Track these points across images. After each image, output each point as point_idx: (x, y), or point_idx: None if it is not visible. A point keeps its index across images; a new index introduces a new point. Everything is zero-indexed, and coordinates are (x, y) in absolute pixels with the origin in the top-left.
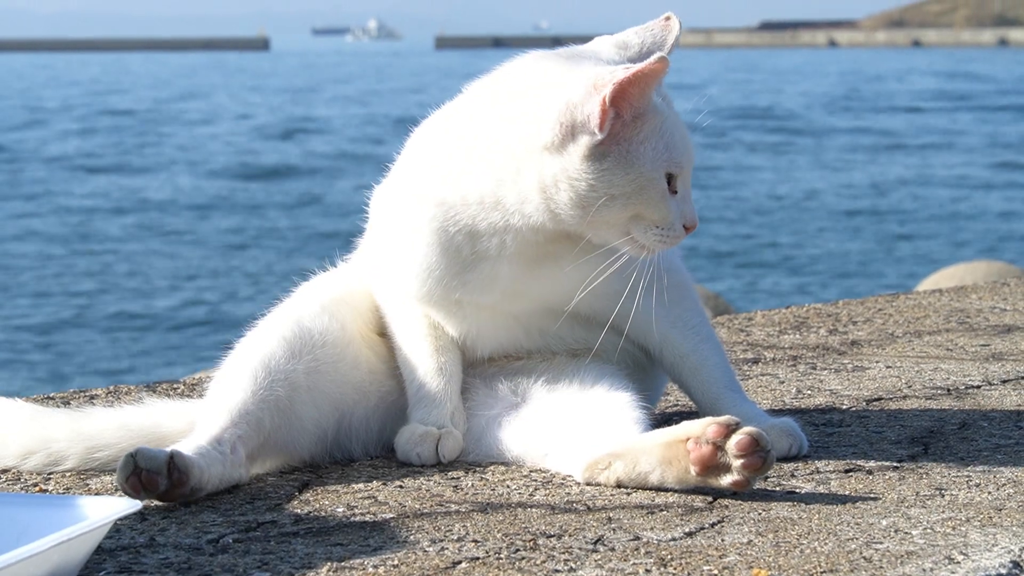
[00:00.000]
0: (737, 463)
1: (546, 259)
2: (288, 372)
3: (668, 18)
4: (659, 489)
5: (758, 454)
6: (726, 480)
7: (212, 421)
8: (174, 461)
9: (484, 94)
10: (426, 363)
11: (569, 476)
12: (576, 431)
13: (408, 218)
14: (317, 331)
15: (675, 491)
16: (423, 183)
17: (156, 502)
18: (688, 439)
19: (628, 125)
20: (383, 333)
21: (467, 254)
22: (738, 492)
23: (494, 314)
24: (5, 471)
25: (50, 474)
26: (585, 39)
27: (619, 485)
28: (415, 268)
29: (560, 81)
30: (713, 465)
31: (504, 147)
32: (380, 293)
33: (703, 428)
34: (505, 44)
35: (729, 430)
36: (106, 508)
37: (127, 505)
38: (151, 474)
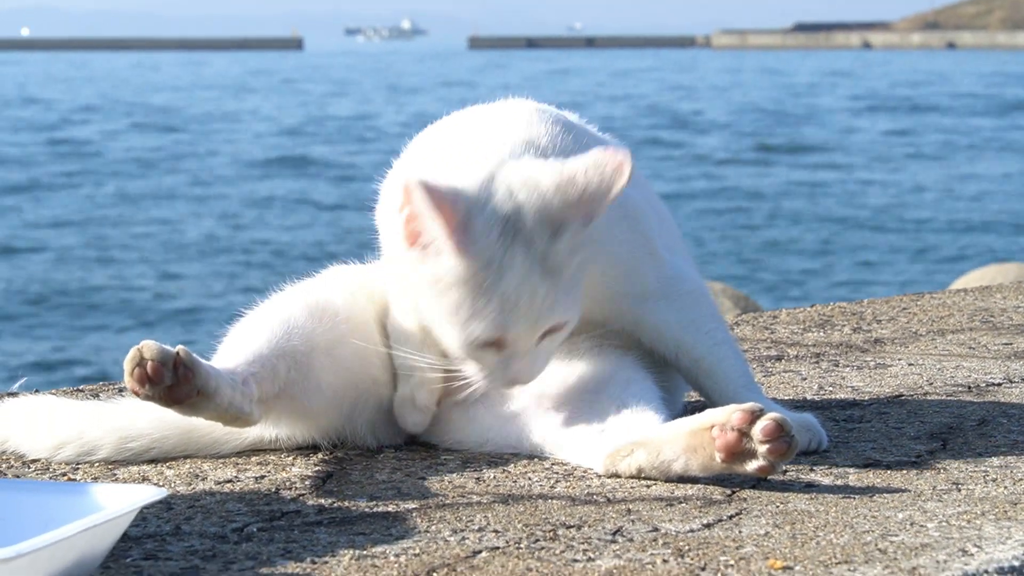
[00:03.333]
0: (763, 449)
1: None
2: (307, 330)
3: (621, 163)
4: (681, 479)
5: (783, 439)
6: (752, 466)
7: (223, 361)
8: (180, 357)
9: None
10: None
11: (590, 469)
12: (596, 421)
13: None
14: (342, 305)
15: (697, 479)
16: None
17: (179, 494)
18: (713, 426)
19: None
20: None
21: None
22: (761, 479)
23: None
24: (35, 461)
25: (78, 464)
26: (618, 40)
27: (640, 474)
28: None
29: None
30: (739, 451)
31: None
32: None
33: (728, 415)
34: (539, 45)
35: (754, 416)
36: (132, 496)
37: (153, 493)
38: (157, 364)
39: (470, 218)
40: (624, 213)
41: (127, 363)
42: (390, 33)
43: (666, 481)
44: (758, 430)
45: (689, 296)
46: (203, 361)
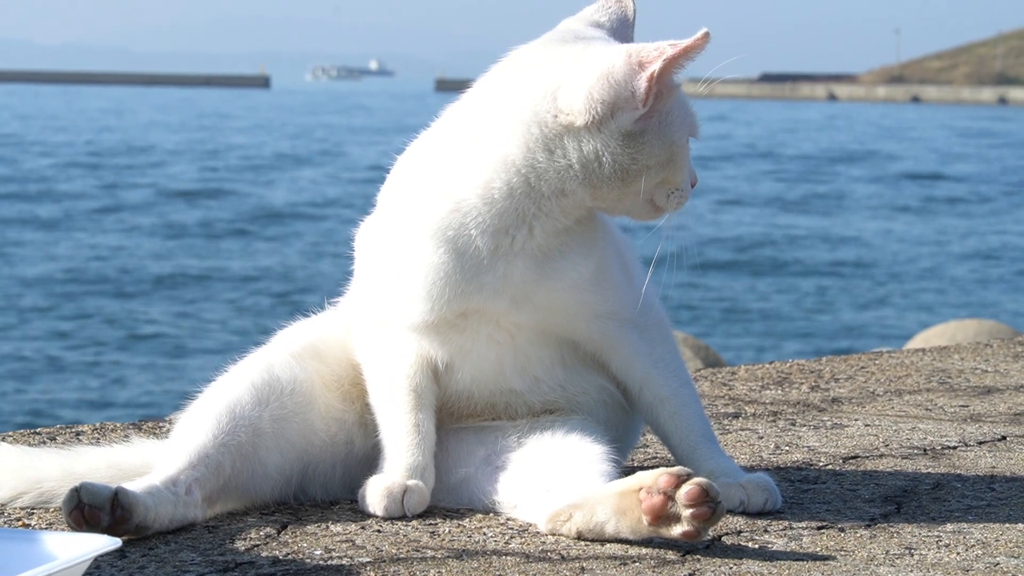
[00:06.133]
0: (686, 513)
1: (555, 255)
2: (253, 418)
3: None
4: (616, 540)
5: (707, 504)
6: (676, 530)
7: (170, 462)
8: (118, 498)
9: (491, 90)
10: (403, 419)
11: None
12: (542, 483)
13: (414, 234)
14: (286, 379)
15: (631, 542)
16: (429, 195)
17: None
18: (640, 489)
19: (660, 98)
20: (353, 383)
21: (486, 254)
22: (691, 543)
23: (495, 330)
24: None
25: (34, 509)
26: None
27: (580, 536)
28: (423, 283)
29: (582, 60)
30: (664, 515)
31: (534, 133)
32: (363, 339)
33: (655, 478)
34: None
35: (680, 480)
36: (86, 544)
37: (107, 542)
38: (94, 509)
39: None
40: (612, 239)
41: (65, 503)
42: (339, 73)
43: (605, 542)
44: (683, 494)
45: (657, 328)
46: (142, 496)
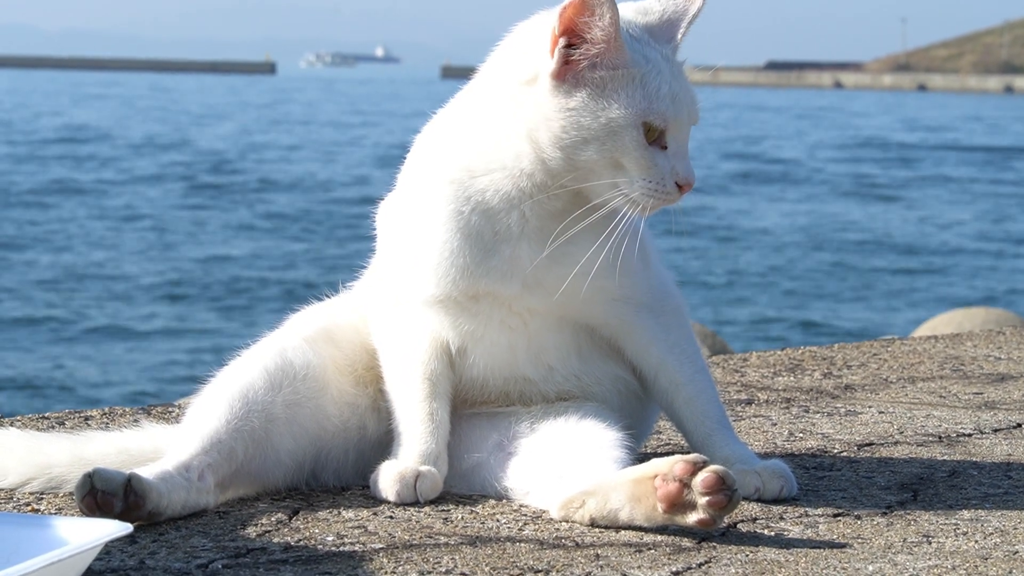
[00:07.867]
0: (702, 500)
1: (565, 240)
2: (266, 404)
3: None
4: (630, 527)
5: (723, 492)
6: (692, 518)
7: (183, 448)
8: (131, 484)
9: (490, 67)
10: (418, 407)
11: None
12: (555, 469)
13: (423, 209)
14: (299, 364)
15: (645, 529)
16: (434, 174)
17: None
18: (656, 476)
19: (598, 66)
20: (366, 368)
21: (488, 237)
22: (706, 531)
23: (508, 315)
24: None
25: (43, 494)
26: None
27: (593, 523)
28: (435, 260)
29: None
30: (679, 503)
31: (496, 99)
32: (380, 321)
33: (670, 465)
34: None
35: (696, 468)
36: (97, 530)
37: (117, 528)
38: (107, 495)
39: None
40: (628, 224)
41: (78, 488)
42: (333, 59)
43: (619, 529)
44: (699, 481)
45: (674, 314)
46: (155, 482)
